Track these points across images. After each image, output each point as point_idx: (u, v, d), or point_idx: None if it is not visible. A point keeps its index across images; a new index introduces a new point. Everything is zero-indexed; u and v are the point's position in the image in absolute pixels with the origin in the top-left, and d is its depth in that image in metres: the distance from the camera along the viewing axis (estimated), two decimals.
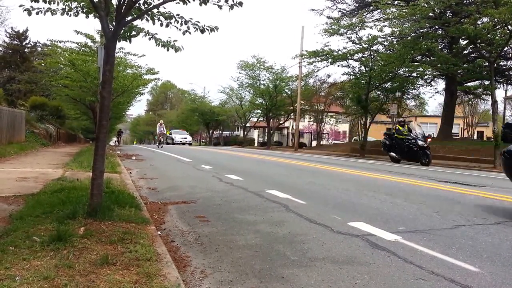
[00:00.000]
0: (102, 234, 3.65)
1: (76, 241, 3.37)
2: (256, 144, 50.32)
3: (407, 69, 23.41)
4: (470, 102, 40.86)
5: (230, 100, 47.80)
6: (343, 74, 34.68)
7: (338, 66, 25.79)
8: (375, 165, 14.60)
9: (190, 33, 4.69)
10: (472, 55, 23.35)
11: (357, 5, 28.32)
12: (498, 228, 4.80)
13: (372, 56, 23.85)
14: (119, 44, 11.04)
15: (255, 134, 57.82)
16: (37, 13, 4.53)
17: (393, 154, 17.82)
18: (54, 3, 4.53)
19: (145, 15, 4.59)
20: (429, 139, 16.82)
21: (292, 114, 39.73)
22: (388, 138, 18.33)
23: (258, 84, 38.84)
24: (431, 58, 22.71)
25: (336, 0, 28.38)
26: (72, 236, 3.45)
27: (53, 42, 17.02)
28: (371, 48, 23.67)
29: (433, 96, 61.27)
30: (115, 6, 4.36)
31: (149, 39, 4.99)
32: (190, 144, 42.07)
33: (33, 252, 3.10)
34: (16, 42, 38.05)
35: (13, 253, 3.06)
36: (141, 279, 2.74)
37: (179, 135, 43.87)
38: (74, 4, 4.70)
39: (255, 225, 4.77)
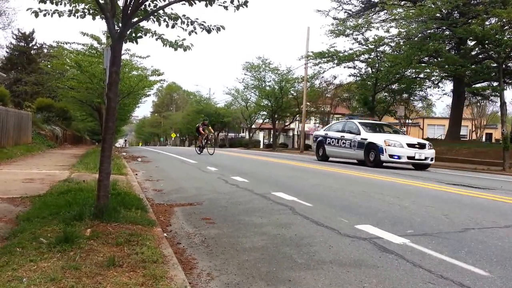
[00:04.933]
0: (108, 236, 3.64)
1: (83, 243, 3.36)
2: (261, 146, 50.30)
3: (414, 70, 23.32)
4: (478, 104, 40.57)
5: (236, 102, 47.85)
6: (349, 76, 34.58)
7: (344, 67, 25.76)
8: (382, 168, 14.51)
9: (196, 33, 4.69)
10: (480, 56, 23.17)
11: (363, 6, 28.24)
12: (508, 231, 4.73)
13: (378, 57, 23.77)
14: (125, 46, 11.10)
15: (260, 136, 57.83)
16: (44, 15, 4.55)
17: None
18: (61, 4, 4.54)
19: (151, 16, 4.59)
20: None
21: (298, 115, 39.68)
22: None
23: (263, 85, 38.84)
24: (439, 59, 22.56)
25: (342, 1, 28.30)
26: (79, 237, 3.44)
27: (59, 44, 17.11)
28: (378, 49, 23.60)
29: (440, 97, 60.85)
30: (121, 8, 4.36)
31: (156, 39, 4.99)
32: (427, 166, 14.39)
33: (40, 253, 3.10)
34: (23, 44, 38.41)
35: (20, 255, 3.06)
36: (148, 281, 2.73)
37: (399, 140, 14.25)
38: (81, 6, 4.71)
39: (262, 227, 4.74)
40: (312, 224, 4.89)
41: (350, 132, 15.77)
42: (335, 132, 16.95)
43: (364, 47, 24.03)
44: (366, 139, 14.77)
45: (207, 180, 9.27)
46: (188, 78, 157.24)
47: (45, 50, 37.78)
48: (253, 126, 49.41)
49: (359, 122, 16.16)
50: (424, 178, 10.52)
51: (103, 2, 4.27)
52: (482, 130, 49.34)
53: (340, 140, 16.20)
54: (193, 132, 63.51)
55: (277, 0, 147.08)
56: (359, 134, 15.20)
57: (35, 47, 39.49)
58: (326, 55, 24.66)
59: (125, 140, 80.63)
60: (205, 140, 20.01)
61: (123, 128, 58.69)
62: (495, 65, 18.78)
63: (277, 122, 41.07)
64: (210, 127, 21.37)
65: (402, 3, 25.31)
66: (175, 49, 4.93)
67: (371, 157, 14.40)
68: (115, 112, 4.42)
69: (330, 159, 17.41)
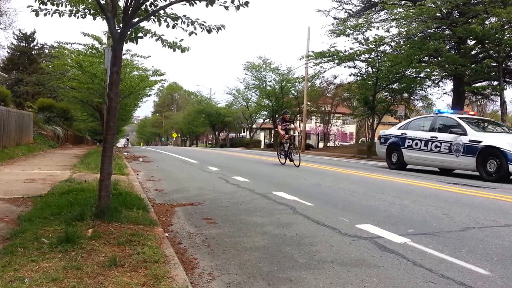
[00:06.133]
0: (110, 236, 3.66)
1: (84, 243, 3.38)
2: (262, 146, 50.30)
3: (414, 70, 23.28)
4: (478, 103, 40.52)
5: (237, 102, 47.90)
6: (350, 75, 34.54)
7: (345, 67, 25.70)
8: (383, 167, 14.51)
9: (196, 34, 4.69)
10: (480, 56, 23.14)
11: (363, 5, 28.18)
12: (509, 230, 4.73)
13: (379, 57, 23.76)
14: (126, 46, 11.14)
15: (261, 135, 57.86)
16: (44, 15, 4.56)
17: None
18: (61, 5, 4.55)
19: (152, 17, 4.60)
20: None
21: (298, 115, 39.68)
22: None
23: (264, 85, 38.85)
24: (439, 58, 22.55)
25: (342, 0, 28.25)
26: (80, 237, 3.46)
27: (60, 44, 17.13)
28: (378, 49, 23.58)
29: (441, 97, 60.97)
30: (122, 8, 4.38)
31: (156, 40, 5.01)
32: None
33: (42, 253, 3.11)
34: (24, 44, 38.46)
35: (22, 255, 3.07)
36: (149, 281, 2.74)
37: None
38: (82, 6, 4.72)
39: (263, 227, 4.75)
40: (313, 223, 4.90)
41: (449, 132, 11.60)
42: (419, 131, 12.82)
43: (365, 46, 24.00)
44: (479, 142, 10.60)
45: (208, 180, 9.28)
46: (189, 78, 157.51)
47: (46, 51, 37.80)
48: (254, 126, 49.41)
49: (461, 118, 11.93)
50: (425, 178, 10.52)
51: (103, 2, 4.28)
52: None
53: (430, 143, 12.01)
54: (194, 132, 63.79)
55: (278, 0, 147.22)
56: (465, 134, 11.08)
57: (36, 47, 39.52)
58: (327, 55, 24.64)
59: (127, 139, 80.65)
60: (288, 144, 13.33)
61: (124, 128, 58.74)
62: (495, 64, 18.78)
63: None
64: (293, 124, 14.37)
65: (402, 2, 25.27)
66: (174, 50, 4.95)
67: (490, 167, 10.32)
68: (116, 112, 4.43)
69: (409, 166, 13.35)
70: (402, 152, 13.05)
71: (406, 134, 13.12)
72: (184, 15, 4.63)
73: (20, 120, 16.71)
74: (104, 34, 15.69)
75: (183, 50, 4.98)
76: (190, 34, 4.68)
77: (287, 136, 13.25)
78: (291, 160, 13.04)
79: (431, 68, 23.02)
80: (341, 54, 24.13)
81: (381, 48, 23.91)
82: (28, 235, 3.57)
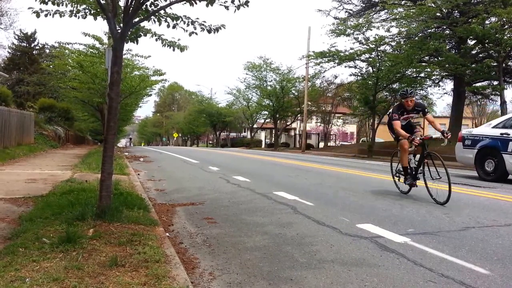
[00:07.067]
0: (111, 236, 3.66)
1: (85, 243, 3.38)
2: (263, 146, 50.33)
3: (414, 70, 23.29)
4: (478, 103, 40.54)
5: (237, 101, 47.89)
6: (350, 75, 34.59)
7: (345, 67, 25.75)
8: (383, 167, 14.51)
9: (196, 33, 4.70)
10: (480, 55, 23.16)
11: (363, 5, 28.20)
12: (508, 230, 4.74)
13: (379, 57, 23.76)
14: (126, 46, 11.16)
15: (262, 135, 57.88)
16: (45, 15, 4.57)
17: None
18: (62, 5, 4.56)
19: (152, 17, 4.61)
20: None
21: (299, 115, 39.70)
22: None
23: (265, 85, 38.86)
24: (439, 58, 22.56)
25: (342, 0, 28.28)
26: (81, 237, 3.47)
27: (61, 44, 17.15)
28: (378, 49, 23.58)
29: (441, 97, 60.82)
30: (122, 8, 4.38)
31: (156, 40, 5.02)
32: None
33: (43, 253, 3.12)
34: (25, 44, 38.48)
35: (23, 255, 3.08)
36: (150, 281, 2.75)
37: None
38: (82, 6, 4.73)
39: (263, 226, 4.76)
40: (314, 223, 4.91)
41: None
42: None
43: (365, 46, 24.02)
44: None
45: (209, 179, 9.29)
46: (189, 78, 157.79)
47: (47, 51, 37.82)
48: (255, 126, 49.41)
49: None
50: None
51: (104, 2, 4.29)
52: None
53: None
54: (195, 132, 63.62)
55: (278, 0, 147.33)
56: None
57: (37, 47, 39.54)
58: (327, 54, 24.66)
59: (130, 139, 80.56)
60: (419, 154, 6.92)
61: (125, 128, 58.77)
62: (495, 64, 18.79)
63: (278, 121, 41.04)
64: (429, 115, 6.95)
65: (403, 2, 25.29)
66: (173, 49, 4.97)
67: None
68: (117, 112, 4.44)
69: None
70: (504, 159, 9.69)
71: (509, 134, 9.74)
72: (185, 15, 4.64)
73: (21, 120, 16.73)
74: (105, 34, 15.70)
75: (182, 49, 5.00)
76: (190, 34, 4.69)
77: (417, 139, 6.53)
78: (427, 188, 6.76)
79: (432, 68, 23.03)
80: (342, 54, 24.16)
81: (382, 48, 23.94)
82: (29, 235, 3.58)
